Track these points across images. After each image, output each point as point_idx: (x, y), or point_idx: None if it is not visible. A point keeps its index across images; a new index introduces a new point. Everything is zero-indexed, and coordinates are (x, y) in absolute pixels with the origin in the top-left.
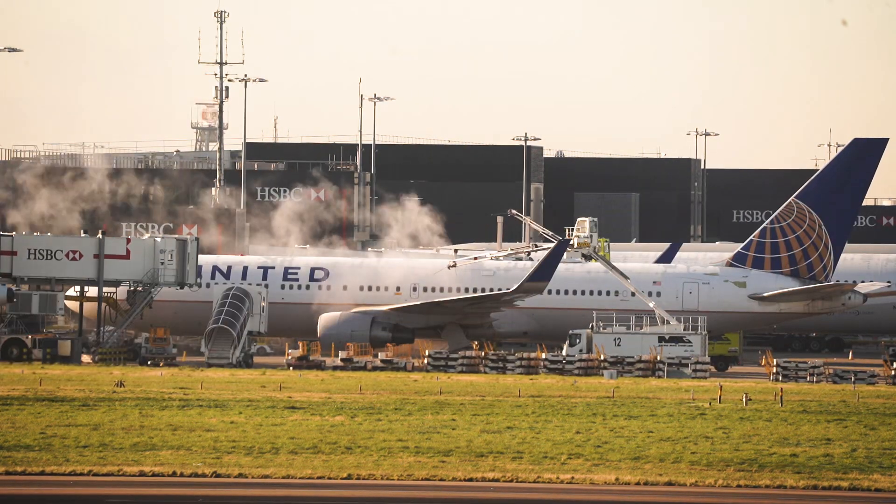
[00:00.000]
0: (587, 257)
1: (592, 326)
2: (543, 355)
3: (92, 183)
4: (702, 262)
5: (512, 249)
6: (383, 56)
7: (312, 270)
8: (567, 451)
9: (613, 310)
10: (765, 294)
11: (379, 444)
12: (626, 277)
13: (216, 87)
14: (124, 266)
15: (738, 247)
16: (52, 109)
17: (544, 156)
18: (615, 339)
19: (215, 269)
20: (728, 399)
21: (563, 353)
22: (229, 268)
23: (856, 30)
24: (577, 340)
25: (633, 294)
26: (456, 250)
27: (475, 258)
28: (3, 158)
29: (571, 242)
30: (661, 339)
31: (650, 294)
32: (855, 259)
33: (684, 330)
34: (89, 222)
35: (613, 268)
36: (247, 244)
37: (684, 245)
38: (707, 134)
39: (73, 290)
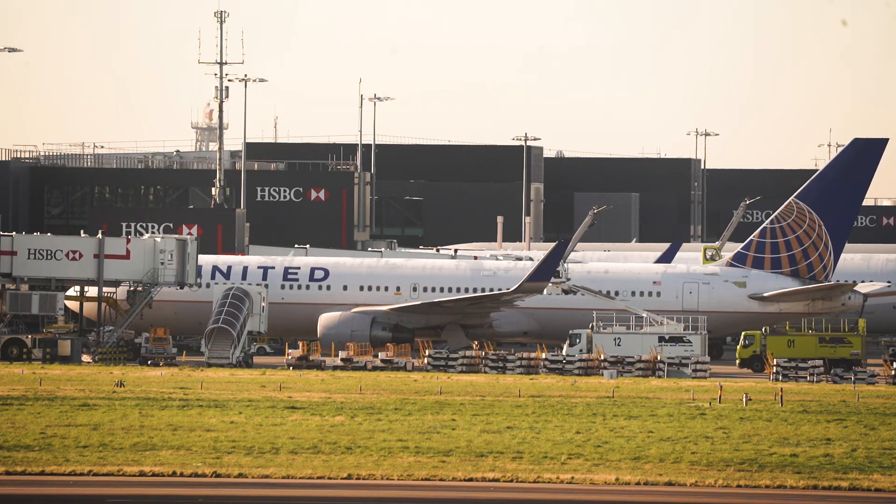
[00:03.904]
0: (567, 292)
1: (592, 326)
2: (543, 355)
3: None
4: (702, 262)
5: None
6: (383, 56)
7: (312, 270)
8: (567, 451)
9: (614, 310)
10: (765, 294)
11: (379, 444)
12: (611, 298)
13: (216, 87)
14: (124, 266)
15: (739, 247)
16: (52, 109)
17: (544, 156)
18: (615, 339)
19: (215, 269)
20: (728, 399)
21: (564, 352)
22: (229, 268)
23: (856, 30)
24: (578, 340)
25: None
26: (456, 250)
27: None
28: (4, 158)
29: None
30: (662, 339)
31: (650, 294)
32: (855, 259)
33: (684, 330)
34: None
35: (598, 293)
36: (246, 244)
37: (684, 245)
38: (707, 134)
39: (73, 290)
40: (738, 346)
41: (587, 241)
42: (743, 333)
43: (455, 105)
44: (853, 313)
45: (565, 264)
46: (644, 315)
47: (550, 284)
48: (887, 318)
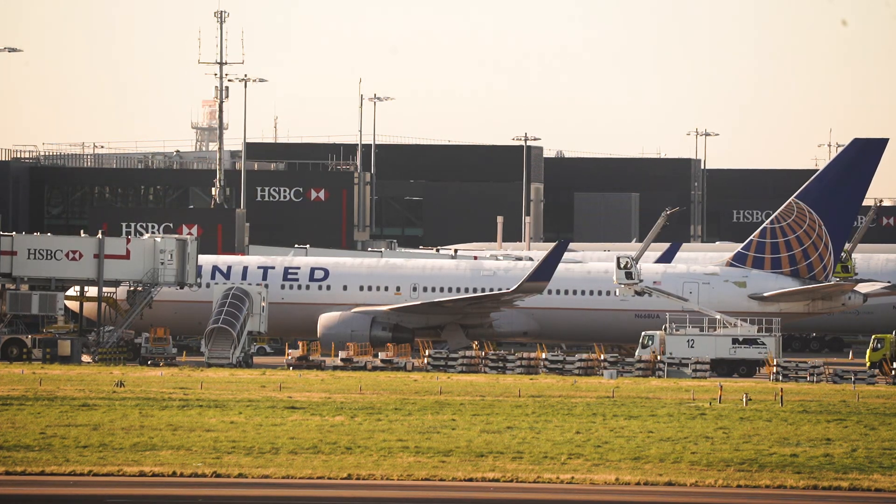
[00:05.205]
0: (640, 293)
1: (665, 328)
2: (543, 355)
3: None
4: (702, 262)
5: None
6: (383, 56)
7: (312, 270)
8: (567, 451)
9: (615, 309)
10: (765, 294)
11: (379, 444)
12: (685, 300)
13: (216, 87)
14: (124, 266)
15: (738, 247)
16: (52, 109)
17: (544, 156)
18: (688, 341)
19: (215, 269)
20: (728, 399)
21: (636, 354)
22: (229, 268)
23: (856, 30)
24: (650, 342)
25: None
26: (456, 250)
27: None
28: (4, 158)
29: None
30: (735, 340)
31: (650, 294)
32: (855, 259)
33: (758, 332)
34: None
35: (669, 294)
36: (246, 244)
37: (684, 245)
38: (707, 134)
39: (73, 290)
40: (868, 350)
41: (587, 242)
42: (873, 336)
43: (455, 105)
44: (852, 313)
45: (638, 266)
46: (717, 317)
47: (623, 286)
48: (887, 318)
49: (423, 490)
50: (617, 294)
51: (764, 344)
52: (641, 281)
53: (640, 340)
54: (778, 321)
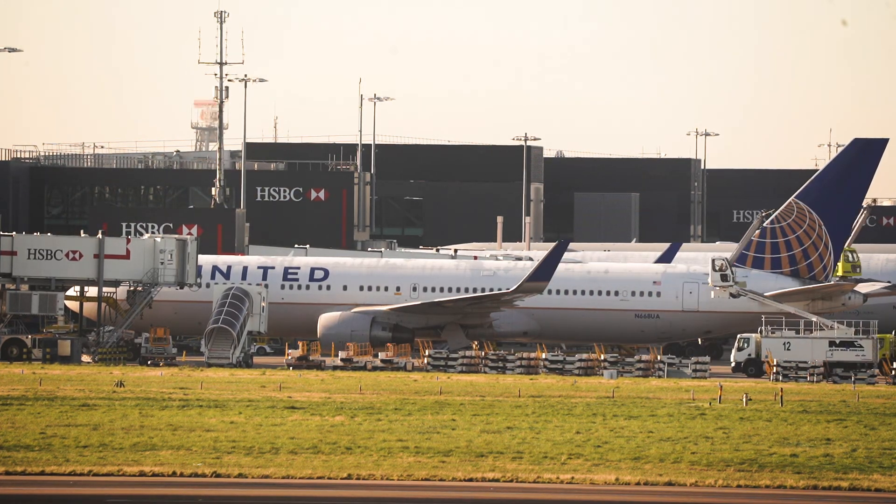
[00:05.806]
0: (735, 296)
1: (762, 330)
2: (543, 355)
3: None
4: (702, 262)
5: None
6: (383, 56)
7: (312, 270)
8: (567, 451)
9: (615, 309)
10: (765, 294)
11: (379, 444)
12: (779, 303)
13: (216, 87)
14: (124, 266)
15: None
16: (52, 109)
17: (544, 156)
18: (784, 344)
19: (215, 269)
20: (728, 399)
21: (732, 357)
22: (229, 268)
23: (856, 30)
24: (746, 345)
25: (811, 319)
26: (456, 250)
27: None
28: (4, 158)
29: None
30: (832, 343)
31: (650, 294)
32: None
33: (855, 334)
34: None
35: (761, 296)
36: (246, 244)
37: (684, 245)
38: (707, 134)
39: (73, 290)
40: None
41: (587, 241)
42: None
43: (455, 105)
44: (852, 313)
45: (732, 269)
46: (814, 319)
47: (717, 288)
48: (887, 318)
49: (423, 490)
50: (712, 297)
51: (862, 346)
52: (737, 283)
53: (736, 343)
54: (875, 323)
